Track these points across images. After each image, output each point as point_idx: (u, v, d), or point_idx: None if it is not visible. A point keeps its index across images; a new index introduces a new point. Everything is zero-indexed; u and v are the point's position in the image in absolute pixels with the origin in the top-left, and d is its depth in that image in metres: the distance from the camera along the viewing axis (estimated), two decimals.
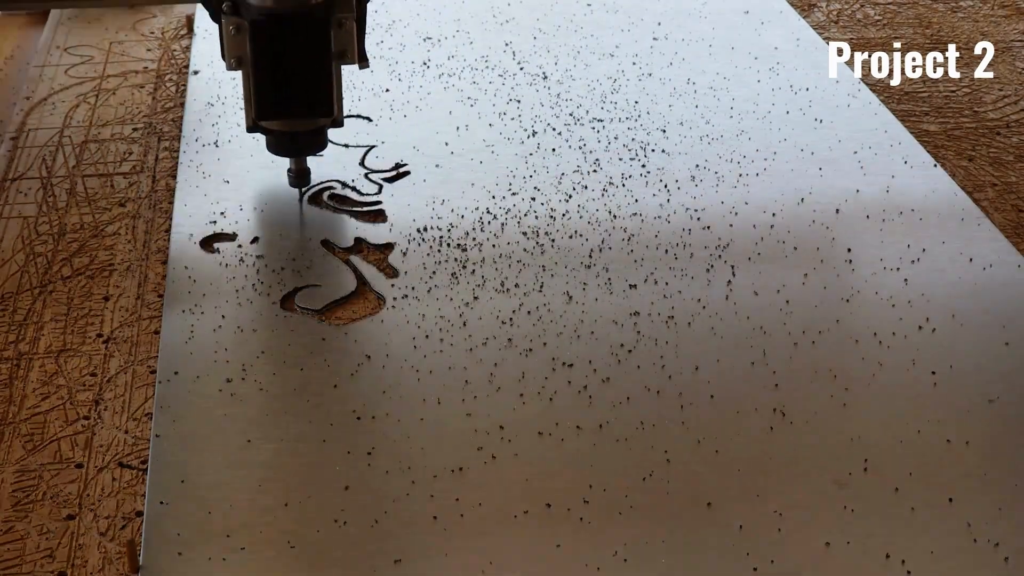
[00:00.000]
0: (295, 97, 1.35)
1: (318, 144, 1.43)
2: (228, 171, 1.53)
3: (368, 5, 1.38)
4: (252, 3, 1.30)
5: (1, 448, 1.13)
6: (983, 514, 1.06)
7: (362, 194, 1.50)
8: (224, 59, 1.35)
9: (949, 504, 1.06)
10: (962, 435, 1.14)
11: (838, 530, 1.04)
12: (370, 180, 1.53)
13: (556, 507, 1.05)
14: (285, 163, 1.55)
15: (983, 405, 1.18)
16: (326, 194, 1.49)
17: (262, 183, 1.51)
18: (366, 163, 1.56)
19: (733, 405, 1.17)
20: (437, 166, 1.55)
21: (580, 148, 1.59)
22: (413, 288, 1.33)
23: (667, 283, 1.34)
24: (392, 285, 1.34)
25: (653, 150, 1.59)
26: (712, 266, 1.36)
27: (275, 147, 1.43)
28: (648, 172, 1.54)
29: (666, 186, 1.51)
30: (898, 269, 1.37)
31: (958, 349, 1.25)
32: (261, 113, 1.36)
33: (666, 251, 1.39)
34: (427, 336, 1.26)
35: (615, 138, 1.61)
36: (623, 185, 1.51)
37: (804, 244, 1.41)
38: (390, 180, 1.52)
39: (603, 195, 1.49)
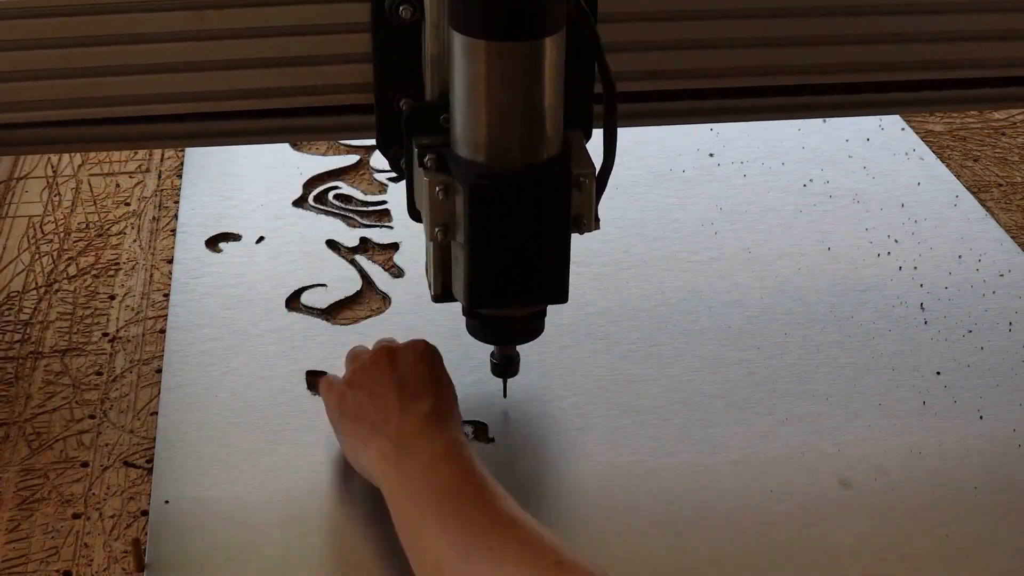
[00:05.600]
0: (522, 278, 0.98)
1: (536, 330, 1.07)
2: (234, 170, 1.53)
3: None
4: (468, 158, 0.94)
5: (7, 447, 1.13)
6: (985, 514, 1.05)
7: (367, 193, 1.50)
8: (418, 219, 1.03)
9: (954, 505, 1.06)
10: (967, 433, 1.14)
11: (843, 530, 1.03)
12: (376, 179, 1.53)
13: (548, 485, 1.05)
14: (290, 163, 1.56)
15: (988, 404, 1.18)
16: (331, 193, 1.49)
17: (268, 183, 1.51)
18: (372, 163, 1.56)
19: (735, 403, 1.17)
20: None
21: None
22: (419, 288, 1.33)
23: (665, 281, 1.34)
24: (398, 285, 1.34)
25: (647, 139, 1.59)
26: (710, 258, 1.36)
27: (482, 333, 1.07)
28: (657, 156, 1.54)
29: (682, 171, 1.51)
30: (900, 268, 1.36)
31: (963, 349, 1.25)
32: (476, 299, 0.99)
33: (667, 255, 1.39)
34: (433, 335, 1.25)
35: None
36: (630, 186, 1.51)
37: (805, 241, 1.40)
38: (395, 179, 1.52)
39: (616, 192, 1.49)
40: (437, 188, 0.94)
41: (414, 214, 1.03)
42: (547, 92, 0.91)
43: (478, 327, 1.07)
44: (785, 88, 1.13)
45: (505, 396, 1.16)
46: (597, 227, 0.99)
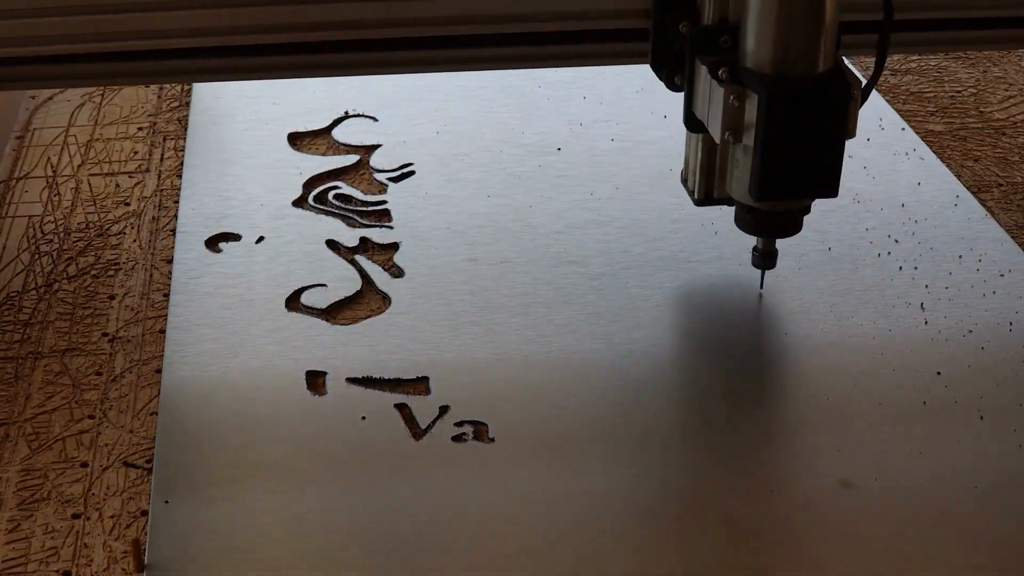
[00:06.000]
0: (804, 176, 1.16)
1: (797, 225, 1.25)
2: (233, 171, 1.53)
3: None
4: (760, 71, 1.11)
5: (7, 447, 1.13)
6: (985, 514, 1.05)
7: (367, 193, 1.50)
8: (693, 126, 1.20)
9: (954, 505, 1.06)
10: (968, 433, 1.14)
11: (843, 530, 1.03)
12: (375, 179, 1.53)
13: (548, 485, 1.06)
14: (290, 163, 1.56)
15: (988, 404, 1.18)
16: (331, 193, 1.49)
17: (267, 183, 1.51)
18: (371, 163, 1.56)
19: (735, 403, 1.17)
20: (443, 165, 1.55)
21: (588, 149, 1.59)
22: (419, 288, 1.33)
23: (665, 273, 1.34)
24: (398, 285, 1.34)
25: (647, 138, 1.59)
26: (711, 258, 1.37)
27: (752, 226, 1.24)
28: (656, 170, 1.54)
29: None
30: (901, 268, 1.36)
31: (963, 349, 1.25)
32: (764, 192, 1.16)
33: (667, 255, 1.39)
34: (433, 335, 1.26)
35: (617, 133, 1.61)
36: (630, 186, 1.51)
37: (805, 241, 1.40)
38: (395, 180, 1.52)
39: (616, 192, 1.49)
40: (732, 97, 1.12)
41: (692, 124, 1.20)
42: (827, 10, 1.08)
43: (751, 221, 1.23)
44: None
45: (762, 287, 1.32)
46: (853, 135, 1.15)
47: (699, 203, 1.27)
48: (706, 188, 1.26)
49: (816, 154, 1.14)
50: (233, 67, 1.25)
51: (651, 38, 1.22)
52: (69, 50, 1.18)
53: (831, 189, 1.17)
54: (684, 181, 1.30)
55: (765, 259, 1.29)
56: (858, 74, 1.06)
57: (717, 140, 1.15)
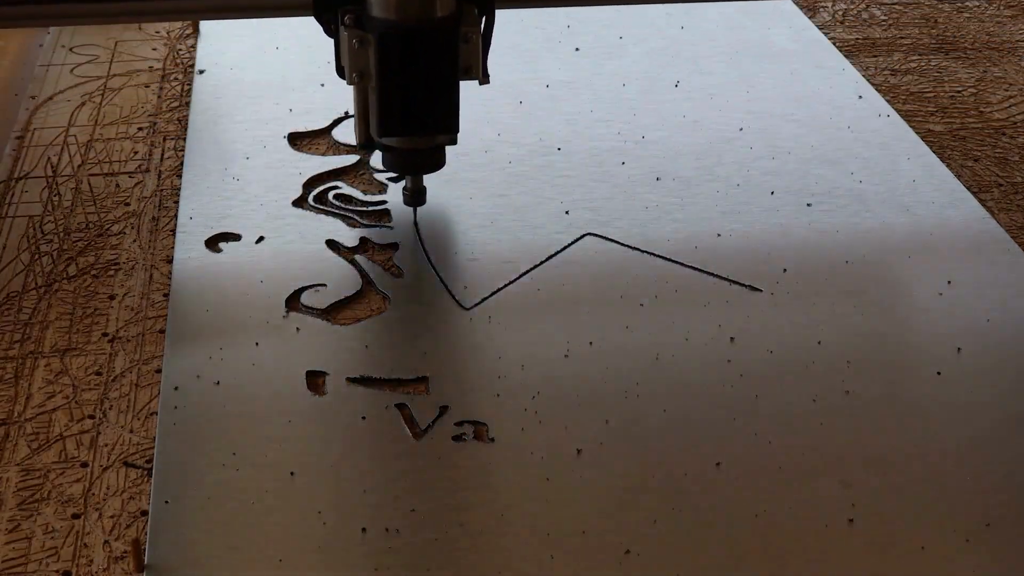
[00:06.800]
0: (421, 113, 1.28)
1: (437, 162, 1.37)
2: (233, 170, 1.53)
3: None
4: (378, 16, 1.24)
5: (7, 447, 1.13)
6: (985, 514, 1.05)
7: (367, 193, 1.50)
8: (342, 73, 1.29)
9: (955, 505, 1.06)
10: (968, 433, 1.14)
11: (841, 531, 1.03)
12: (375, 179, 1.53)
13: (548, 485, 1.06)
14: (291, 163, 1.56)
15: (989, 404, 1.18)
16: (331, 194, 1.49)
17: (267, 182, 1.51)
18: (371, 163, 1.56)
19: (735, 403, 1.17)
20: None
21: (587, 149, 1.59)
22: (419, 288, 1.33)
23: (672, 288, 1.34)
24: (398, 285, 1.34)
25: (647, 138, 1.59)
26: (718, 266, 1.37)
27: (393, 164, 1.37)
28: (658, 170, 1.54)
29: (672, 180, 1.51)
30: (901, 269, 1.36)
31: (964, 349, 1.25)
32: (385, 129, 1.29)
33: (667, 255, 1.39)
34: (433, 335, 1.26)
35: (617, 133, 1.61)
36: (630, 186, 1.51)
37: (805, 241, 1.40)
38: (395, 180, 1.52)
39: (616, 192, 1.49)
40: (355, 40, 1.24)
41: (339, 70, 1.29)
42: None
43: (390, 159, 1.36)
44: None
45: (416, 225, 1.40)
46: (486, 81, 1.29)
47: (361, 147, 1.37)
48: (365, 133, 1.35)
49: (432, 94, 1.26)
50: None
51: None
52: None
53: (449, 127, 1.29)
54: (355, 128, 1.38)
55: (415, 197, 1.40)
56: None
57: (347, 82, 1.27)
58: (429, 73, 1.25)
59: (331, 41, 1.31)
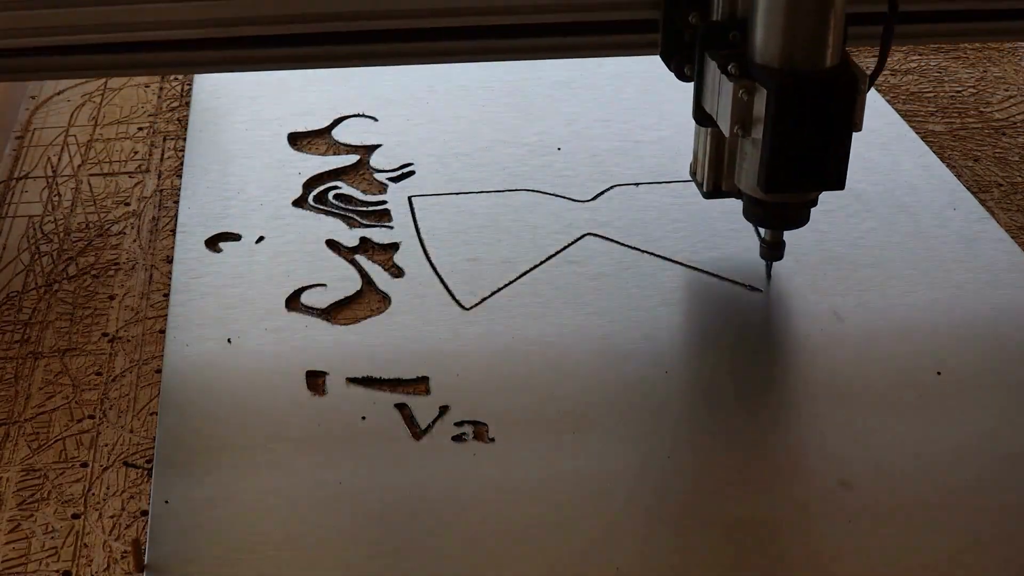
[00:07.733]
0: (814, 168, 1.18)
1: (805, 217, 1.27)
2: (233, 170, 1.53)
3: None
4: (770, 65, 1.13)
5: (7, 447, 1.13)
6: (985, 515, 1.05)
7: (367, 193, 1.50)
8: (702, 120, 1.24)
9: (955, 505, 1.06)
10: (968, 433, 1.14)
11: (841, 530, 1.03)
12: (375, 179, 1.53)
13: (548, 485, 1.06)
14: (291, 163, 1.56)
15: (989, 404, 1.18)
16: (331, 193, 1.49)
17: (267, 182, 1.51)
18: (371, 163, 1.56)
19: (735, 403, 1.17)
20: (443, 166, 1.55)
21: (588, 149, 1.59)
22: (419, 288, 1.33)
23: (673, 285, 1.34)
24: (398, 285, 1.34)
25: (647, 138, 1.59)
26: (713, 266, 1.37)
27: (763, 219, 1.27)
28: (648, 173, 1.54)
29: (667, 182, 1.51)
30: (901, 269, 1.36)
31: (964, 350, 1.25)
32: (774, 184, 1.17)
33: (667, 255, 1.39)
34: (433, 335, 1.25)
35: (617, 133, 1.61)
36: (635, 187, 1.51)
37: (805, 241, 1.40)
38: (395, 179, 1.52)
39: (615, 192, 1.49)
40: (741, 91, 1.14)
41: (701, 118, 1.24)
42: (835, 5, 1.11)
43: (760, 213, 1.25)
44: None
45: (769, 279, 1.33)
46: (859, 128, 1.16)
47: (707, 195, 1.30)
48: (715, 181, 1.30)
49: (824, 147, 1.15)
50: (232, 59, 1.29)
51: (660, 29, 1.24)
52: (67, 41, 1.21)
53: (838, 182, 1.18)
54: (693, 174, 1.33)
55: (772, 250, 1.31)
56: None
57: (727, 134, 1.17)
58: (829, 125, 1.15)
59: None
